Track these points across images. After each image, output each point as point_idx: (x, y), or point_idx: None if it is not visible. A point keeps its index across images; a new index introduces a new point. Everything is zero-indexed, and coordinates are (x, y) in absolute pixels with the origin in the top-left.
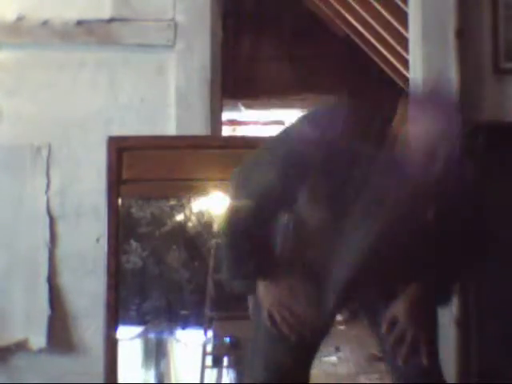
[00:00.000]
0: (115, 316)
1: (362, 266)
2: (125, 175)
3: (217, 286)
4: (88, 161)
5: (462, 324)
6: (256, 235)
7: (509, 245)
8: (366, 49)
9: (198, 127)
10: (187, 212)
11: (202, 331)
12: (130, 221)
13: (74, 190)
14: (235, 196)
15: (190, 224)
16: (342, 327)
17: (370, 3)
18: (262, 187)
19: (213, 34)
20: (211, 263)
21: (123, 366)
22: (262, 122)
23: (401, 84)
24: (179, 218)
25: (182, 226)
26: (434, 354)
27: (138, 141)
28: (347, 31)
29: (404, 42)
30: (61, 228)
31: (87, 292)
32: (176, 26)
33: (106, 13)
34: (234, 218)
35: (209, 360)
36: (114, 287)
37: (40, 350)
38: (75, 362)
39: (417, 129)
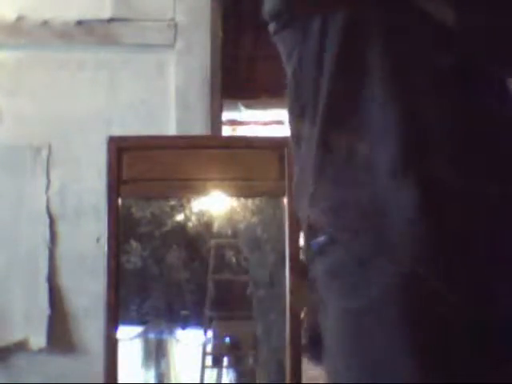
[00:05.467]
0: (115, 316)
1: None
2: (125, 175)
3: (217, 285)
4: (88, 161)
5: None
6: None
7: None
8: None
9: (198, 127)
10: (187, 212)
11: (201, 331)
12: (130, 221)
13: (74, 190)
14: None
15: (189, 224)
16: None
17: None
18: None
19: (213, 34)
20: (211, 263)
21: (123, 366)
22: (262, 121)
23: None
24: (179, 218)
25: (181, 226)
26: None
27: (137, 141)
28: None
29: None
30: (61, 228)
31: (87, 292)
32: (176, 26)
33: (105, 13)
34: None
35: (209, 360)
36: (114, 287)
37: (40, 350)
38: (75, 362)
39: None
